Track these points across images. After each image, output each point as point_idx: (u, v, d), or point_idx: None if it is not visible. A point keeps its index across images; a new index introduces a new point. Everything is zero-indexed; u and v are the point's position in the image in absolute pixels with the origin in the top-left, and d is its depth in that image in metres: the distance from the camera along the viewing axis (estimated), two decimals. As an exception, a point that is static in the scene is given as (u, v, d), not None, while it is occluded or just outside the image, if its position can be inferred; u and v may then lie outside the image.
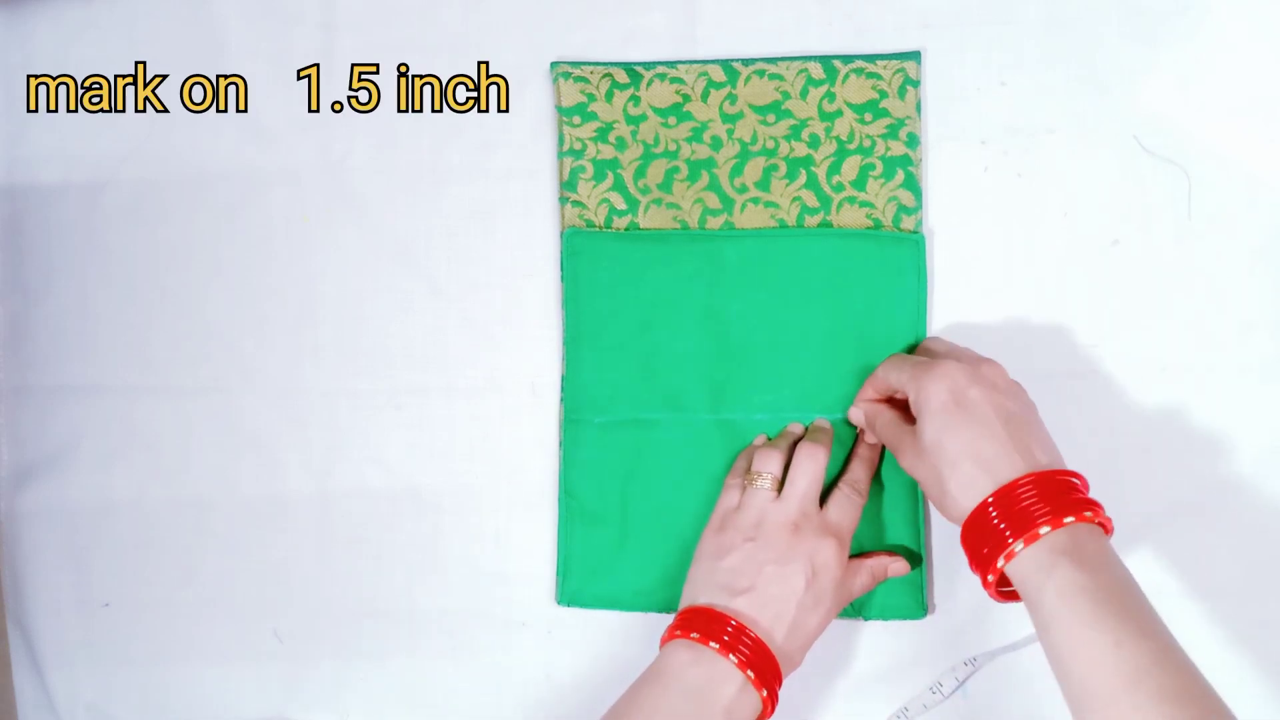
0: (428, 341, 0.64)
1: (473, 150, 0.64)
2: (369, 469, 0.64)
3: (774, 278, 0.62)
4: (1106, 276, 0.62)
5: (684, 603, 0.56)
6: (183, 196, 0.65)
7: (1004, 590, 0.51)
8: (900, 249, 0.61)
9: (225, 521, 0.64)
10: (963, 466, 0.50)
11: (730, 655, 0.51)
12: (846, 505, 0.57)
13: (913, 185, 0.62)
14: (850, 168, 0.62)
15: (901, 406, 0.57)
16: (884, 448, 0.60)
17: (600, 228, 0.63)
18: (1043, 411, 0.62)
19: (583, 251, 0.62)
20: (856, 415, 0.59)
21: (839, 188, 0.62)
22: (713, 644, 0.52)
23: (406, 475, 0.64)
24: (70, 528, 0.65)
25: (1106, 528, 0.50)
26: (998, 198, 0.62)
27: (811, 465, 0.57)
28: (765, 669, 0.52)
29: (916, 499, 0.61)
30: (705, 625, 0.52)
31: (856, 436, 0.61)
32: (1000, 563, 0.48)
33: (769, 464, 0.57)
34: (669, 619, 0.62)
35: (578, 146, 0.63)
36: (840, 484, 0.59)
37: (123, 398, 0.64)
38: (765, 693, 0.52)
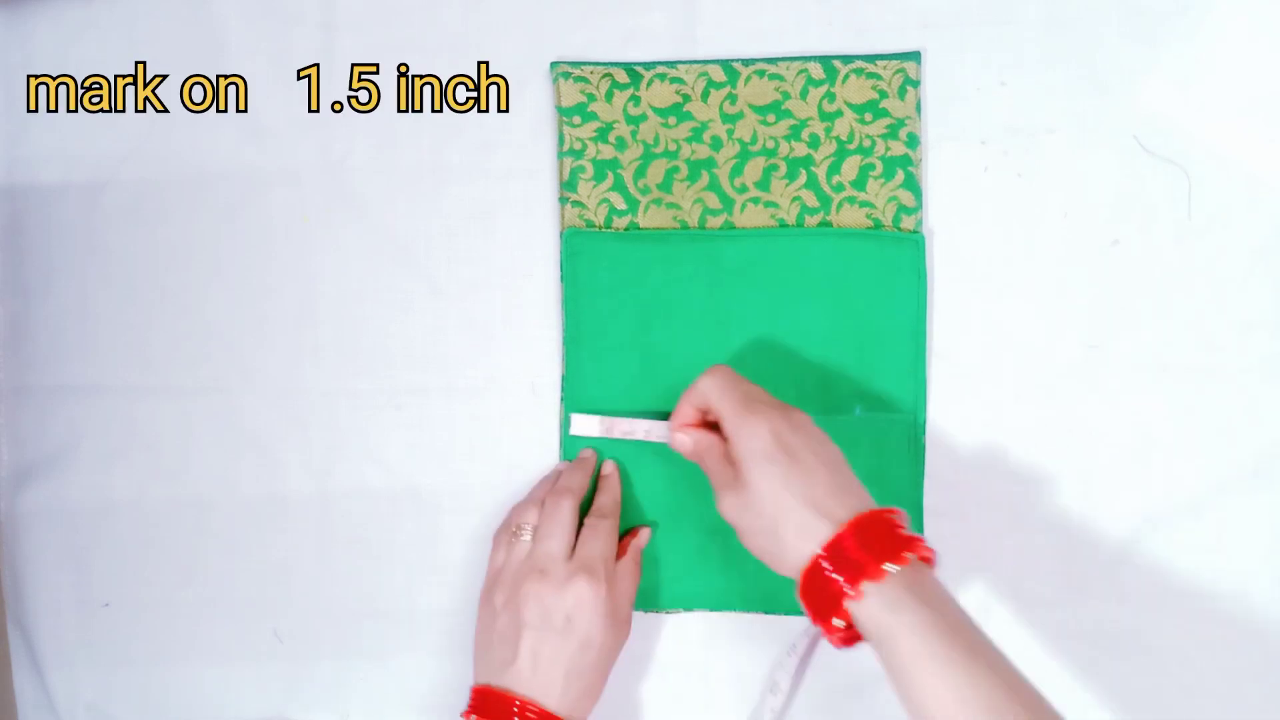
0: (428, 341, 0.64)
1: (473, 150, 0.64)
2: (369, 469, 0.64)
3: (774, 278, 0.62)
4: (1106, 276, 0.62)
5: (474, 675, 0.57)
6: (183, 196, 0.65)
7: (846, 635, 0.50)
8: (900, 249, 0.61)
9: (225, 521, 0.64)
10: (796, 513, 0.49)
11: None
12: (592, 537, 0.58)
13: (913, 185, 0.62)
14: (850, 168, 0.62)
15: (715, 427, 0.56)
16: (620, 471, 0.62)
17: (600, 228, 0.63)
18: (1043, 411, 0.62)
19: (582, 251, 0.62)
20: (684, 443, 0.56)
21: (839, 188, 0.62)
22: None
23: (406, 475, 0.64)
24: (70, 528, 0.65)
25: (931, 562, 0.49)
26: (998, 198, 0.62)
27: (556, 515, 0.58)
28: None
29: (917, 497, 0.61)
30: (488, 707, 0.54)
31: (601, 473, 0.62)
32: (848, 605, 0.48)
33: (527, 516, 0.58)
34: (669, 617, 0.63)
35: (578, 146, 0.63)
36: (588, 518, 0.59)
37: (123, 398, 0.64)
38: None
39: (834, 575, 0.48)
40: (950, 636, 0.46)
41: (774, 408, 0.53)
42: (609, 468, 0.62)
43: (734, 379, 0.55)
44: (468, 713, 0.55)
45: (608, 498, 0.61)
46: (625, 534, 0.61)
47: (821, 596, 0.48)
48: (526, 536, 0.58)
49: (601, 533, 0.58)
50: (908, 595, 0.47)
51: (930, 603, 0.47)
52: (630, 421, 0.62)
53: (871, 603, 0.47)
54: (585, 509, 0.60)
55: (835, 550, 0.48)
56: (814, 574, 0.48)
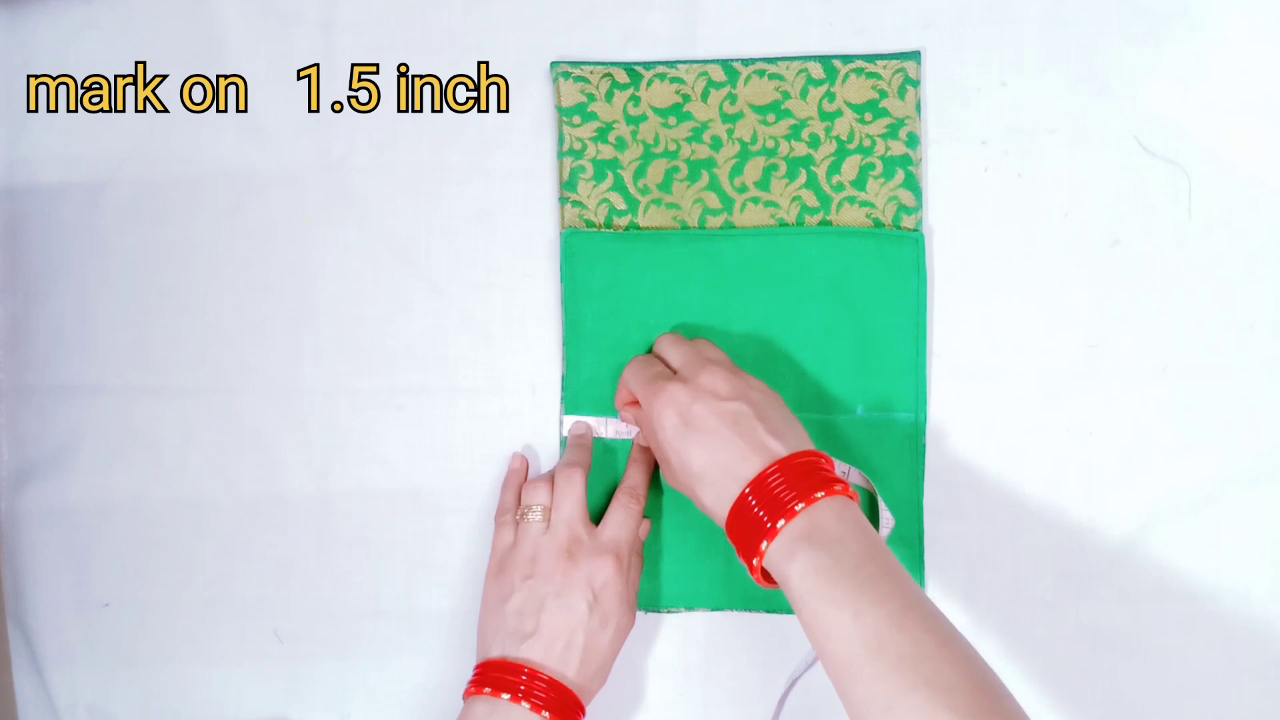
0: (428, 341, 0.64)
1: (473, 150, 0.64)
2: (369, 469, 0.64)
3: (774, 277, 0.62)
4: (1106, 276, 0.62)
5: (479, 655, 0.57)
6: (183, 196, 0.65)
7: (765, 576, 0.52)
8: (900, 248, 0.61)
9: (225, 521, 0.64)
10: (708, 478, 0.52)
11: (524, 702, 0.53)
12: (623, 516, 0.58)
13: (912, 185, 0.62)
14: (850, 167, 0.62)
15: None
16: None
17: (600, 227, 0.63)
18: (1043, 411, 0.62)
19: (582, 251, 0.62)
20: (626, 418, 0.61)
21: (839, 187, 0.62)
22: (504, 695, 0.53)
23: (406, 475, 0.64)
24: (70, 528, 0.65)
25: (852, 498, 0.51)
26: (998, 198, 0.62)
27: (569, 489, 0.58)
28: (563, 705, 0.54)
29: (916, 497, 0.61)
30: (498, 677, 0.54)
31: (632, 441, 0.62)
32: (763, 546, 0.50)
33: (537, 496, 0.59)
34: (669, 617, 0.63)
35: (578, 146, 0.63)
36: (618, 493, 0.60)
37: (123, 398, 0.64)
38: None
39: (758, 513, 0.50)
40: (840, 575, 0.47)
41: (675, 382, 0.54)
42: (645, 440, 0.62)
43: (646, 361, 0.58)
44: (471, 689, 0.55)
45: (641, 475, 0.61)
46: None
47: (742, 539, 0.51)
48: (536, 516, 0.58)
49: (632, 516, 0.59)
50: (801, 542, 0.48)
51: (822, 546, 0.48)
52: (624, 423, 0.62)
53: (771, 552, 0.49)
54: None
55: (757, 491, 0.50)
56: (736, 516, 0.51)
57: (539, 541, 0.57)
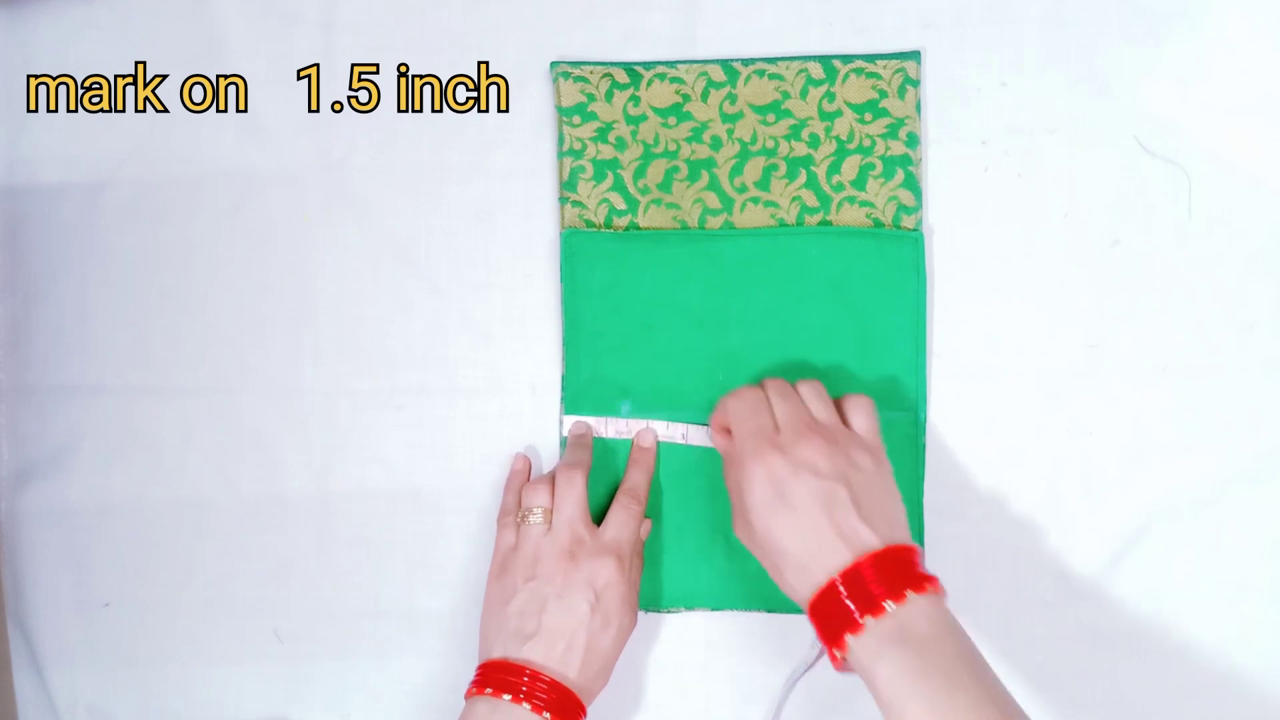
0: (428, 341, 0.64)
1: (473, 150, 0.64)
2: (369, 469, 0.64)
3: (774, 277, 0.62)
4: (1106, 276, 0.62)
5: (481, 655, 0.57)
6: (183, 196, 0.65)
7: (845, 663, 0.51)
8: (900, 248, 0.61)
9: (225, 521, 0.64)
10: (795, 560, 0.51)
11: (525, 703, 0.53)
12: (624, 517, 0.58)
13: (912, 185, 0.62)
14: (850, 167, 0.62)
15: None
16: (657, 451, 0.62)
17: (600, 228, 0.63)
18: (1043, 411, 0.62)
19: (582, 251, 0.62)
20: (720, 444, 0.58)
21: (839, 187, 0.62)
22: (506, 696, 0.53)
23: (406, 475, 0.64)
24: (70, 528, 0.65)
25: (942, 595, 0.50)
26: (998, 198, 0.62)
27: (570, 490, 0.58)
28: (565, 706, 0.54)
29: (916, 497, 0.61)
30: (499, 678, 0.54)
31: (632, 441, 0.62)
32: (848, 639, 0.49)
33: (537, 497, 0.58)
34: (669, 617, 0.63)
35: (578, 146, 0.63)
36: (619, 494, 0.60)
37: (123, 398, 0.64)
38: None
39: (847, 603, 0.49)
40: (926, 680, 0.46)
41: (776, 450, 0.53)
42: (648, 439, 0.62)
43: (754, 408, 0.56)
44: (473, 690, 0.55)
45: (642, 476, 0.61)
46: None
47: (828, 623, 0.50)
48: (536, 518, 0.58)
49: (633, 516, 0.59)
50: (888, 644, 0.47)
51: (912, 648, 0.47)
52: (623, 422, 0.62)
53: (857, 648, 0.48)
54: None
55: (849, 582, 0.49)
56: (823, 601, 0.50)
57: (540, 543, 0.57)
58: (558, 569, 0.56)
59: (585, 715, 0.55)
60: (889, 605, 0.48)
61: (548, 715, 0.53)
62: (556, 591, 0.56)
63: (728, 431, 0.57)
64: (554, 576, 0.56)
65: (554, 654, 0.55)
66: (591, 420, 0.62)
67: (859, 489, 0.52)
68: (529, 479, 0.62)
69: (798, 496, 0.51)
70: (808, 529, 0.51)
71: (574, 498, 0.58)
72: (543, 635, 0.55)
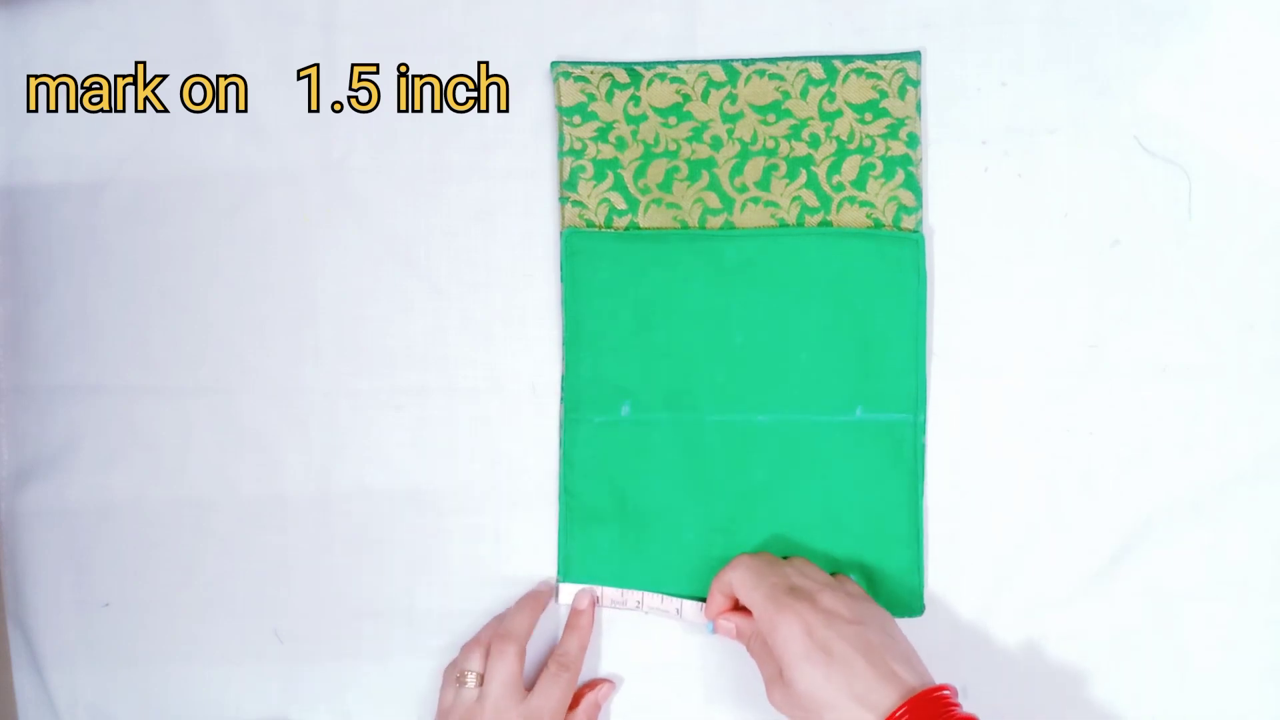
0: (428, 341, 0.64)
1: (473, 150, 0.64)
2: (369, 469, 0.64)
3: (774, 277, 0.62)
4: (1106, 276, 0.62)
5: None
6: (183, 196, 0.65)
7: None
8: (900, 248, 0.61)
9: (225, 521, 0.64)
10: (837, 706, 0.51)
11: None
12: (551, 686, 0.58)
13: (913, 185, 0.62)
14: (850, 167, 0.62)
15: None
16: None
17: (600, 227, 0.63)
18: (1043, 411, 0.62)
19: (582, 251, 0.62)
20: (728, 629, 0.58)
21: (839, 187, 0.62)
22: None
23: (406, 475, 0.64)
24: (70, 528, 0.65)
25: None
26: (998, 198, 0.62)
27: (500, 663, 0.58)
28: None
29: (916, 498, 0.61)
30: None
31: (572, 608, 0.62)
32: None
33: (471, 662, 0.58)
34: (667, 618, 0.63)
35: (578, 146, 0.63)
36: (549, 661, 0.60)
37: (123, 398, 0.64)
38: None
39: None
40: None
41: (803, 600, 0.54)
42: (584, 601, 0.62)
43: (760, 571, 0.56)
44: None
45: (575, 644, 0.61)
46: (583, 684, 0.62)
47: None
48: (470, 683, 0.58)
49: (560, 685, 0.59)
50: None
51: None
52: (622, 593, 0.62)
53: None
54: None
55: None
56: None
57: (471, 709, 0.57)
58: None
59: None
60: None
61: None
62: None
63: (734, 607, 0.58)
64: None
65: None
66: (590, 591, 0.62)
67: (883, 632, 0.53)
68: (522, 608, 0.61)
69: (834, 643, 0.52)
70: (850, 674, 0.51)
71: (504, 669, 0.58)
72: None
